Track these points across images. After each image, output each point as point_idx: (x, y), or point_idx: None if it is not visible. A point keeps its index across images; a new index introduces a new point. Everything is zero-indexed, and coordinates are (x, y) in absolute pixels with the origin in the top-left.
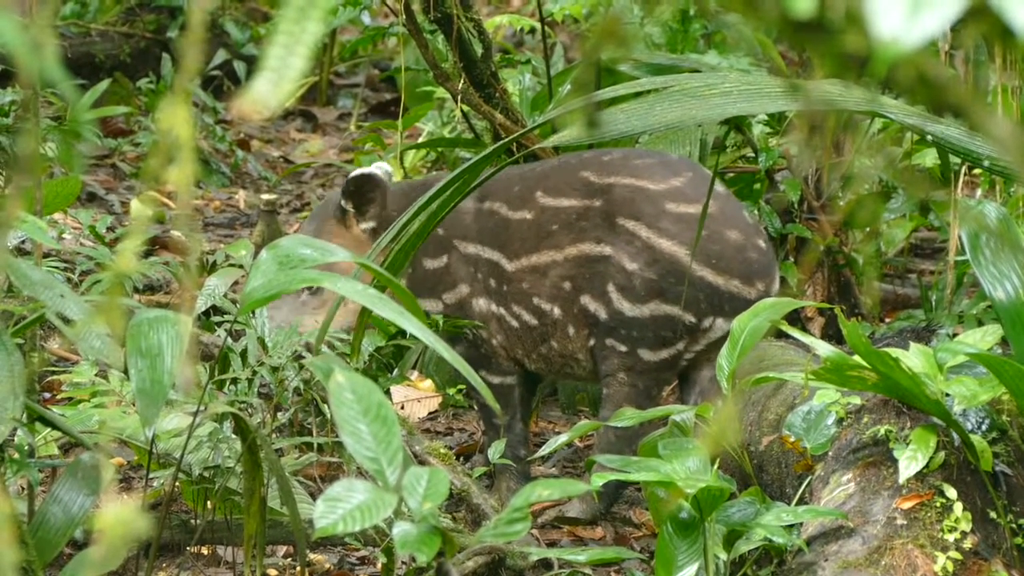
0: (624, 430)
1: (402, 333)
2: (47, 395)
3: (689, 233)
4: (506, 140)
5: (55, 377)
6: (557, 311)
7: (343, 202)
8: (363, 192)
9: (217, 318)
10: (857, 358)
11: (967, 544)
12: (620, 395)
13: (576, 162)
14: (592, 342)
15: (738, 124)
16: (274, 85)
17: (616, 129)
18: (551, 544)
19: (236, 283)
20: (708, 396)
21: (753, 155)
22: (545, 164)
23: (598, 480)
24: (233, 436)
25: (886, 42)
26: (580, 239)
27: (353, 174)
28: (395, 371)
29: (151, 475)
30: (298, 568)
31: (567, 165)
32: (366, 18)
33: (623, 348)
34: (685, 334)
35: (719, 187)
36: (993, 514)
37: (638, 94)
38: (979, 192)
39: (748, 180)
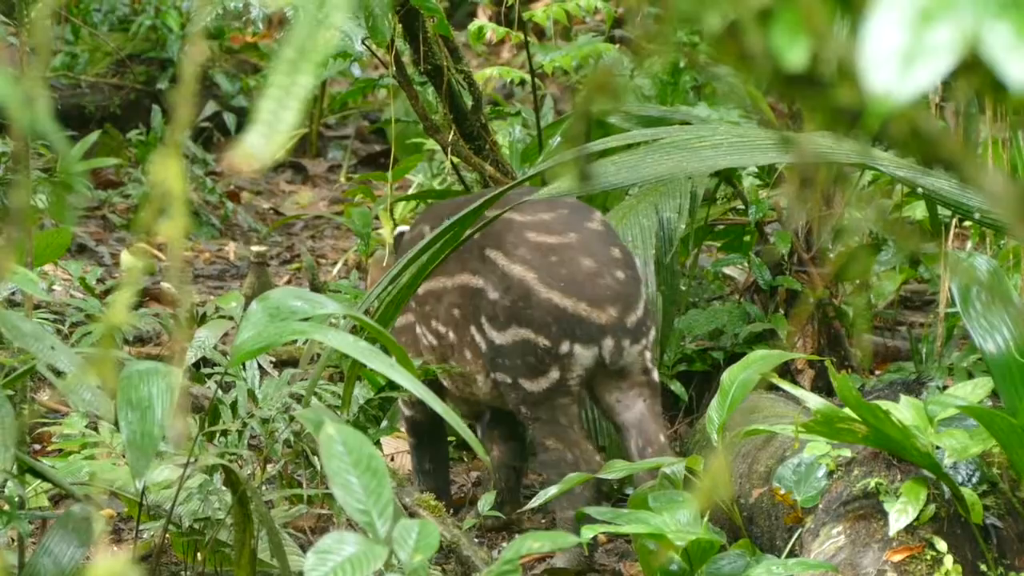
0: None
1: (392, 385)
2: (37, 447)
3: (541, 259)
4: (496, 192)
5: (45, 429)
6: (452, 335)
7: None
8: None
9: (207, 370)
10: (847, 410)
11: None
12: (536, 431)
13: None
14: (490, 377)
15: (728, 176)
16: (266, 138)
17: (606, 181)
18: None
19: (226, 335)
20: (648, 435)
21: (743, 207)
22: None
23: (588, 532)
24: (223, 488)
25: (879, 96)
26: (463, 269)
27: (397, 232)
28: (384, 423)
29: (141, 527)
30: None
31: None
32: (356, 70)
33: (508, 380)
34: (549, 361)
35: (596, 224)
36: (983, 567)
37: (628, 146)
38: (969, 245)
39: (738, 232)
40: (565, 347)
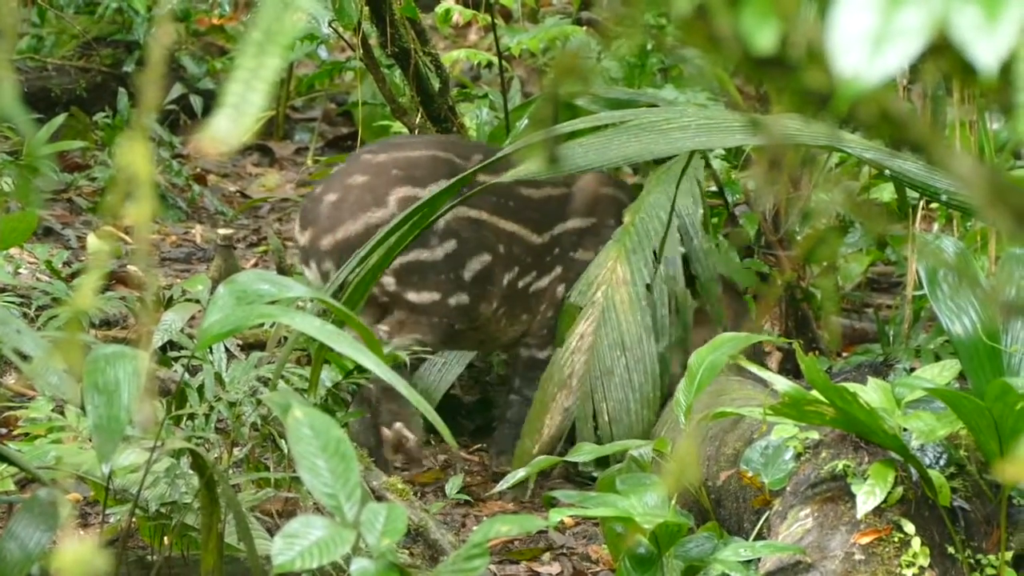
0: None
1: (360, 368)
2: (3, 431)
3: (315, 192)
4: (463, 175)
5: (12, 413)
6: None
7: None
8: None
9: (174, 353)
10: (815, 393)
11: None
12: None
13: None
14: None
15: (705, 158)
16: (233, 121)
17: (574, 163)
18: None
19: (193, 318)
20: None
21: (714, 190)
22: None
23: (556, 516)
24: (190, 472)
25: (848, 78)
26: None
27: None
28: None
29: (108, 511)
30: None
31: None
32: (323, 52)
33: None
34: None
35: (379, 156)
36: (951, 549)
37: (596, 128)
38: (936, 227)
39: (706, 214)
40: (302, 268)
